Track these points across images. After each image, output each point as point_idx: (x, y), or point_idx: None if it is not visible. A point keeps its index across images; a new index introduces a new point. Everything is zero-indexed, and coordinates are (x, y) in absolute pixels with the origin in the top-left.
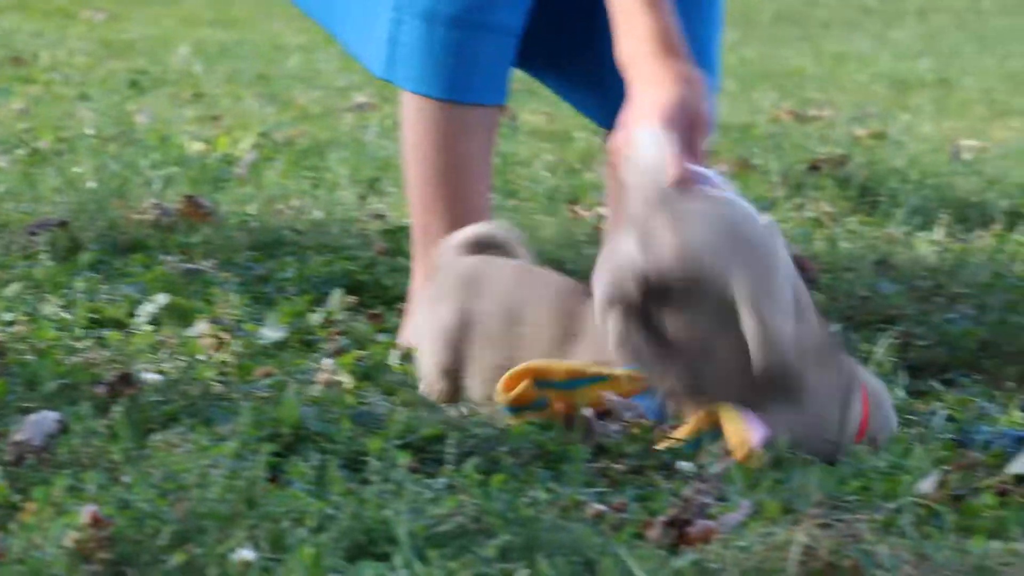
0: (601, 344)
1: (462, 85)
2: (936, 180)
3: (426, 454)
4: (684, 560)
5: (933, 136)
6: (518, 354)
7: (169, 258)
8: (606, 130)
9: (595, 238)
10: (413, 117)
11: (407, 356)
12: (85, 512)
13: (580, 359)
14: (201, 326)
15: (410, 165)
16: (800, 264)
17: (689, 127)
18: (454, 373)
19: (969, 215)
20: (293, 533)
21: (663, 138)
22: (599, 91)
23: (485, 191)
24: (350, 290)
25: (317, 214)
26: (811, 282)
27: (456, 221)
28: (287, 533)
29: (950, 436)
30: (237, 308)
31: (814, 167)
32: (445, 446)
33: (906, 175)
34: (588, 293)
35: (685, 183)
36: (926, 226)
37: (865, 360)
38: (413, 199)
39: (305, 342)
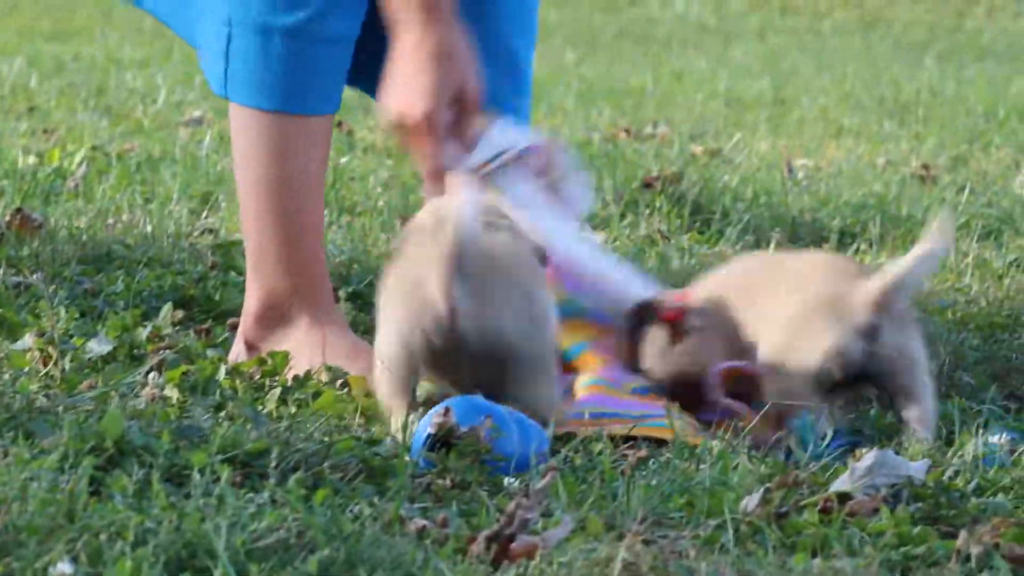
0: None
1: (298, 96)
2: (769, 198)
3: (250, 468)
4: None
5: (768, 155)
6: None
7: None
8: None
9: None
10: (244, 131)
11: (234, 371)
12: None
13: None
14: (28, 340)
15: (242, 179)
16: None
17: (455, 103)
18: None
19: (802, 233)
20: (113, 547)
21: (471, 207)
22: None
23: (318, 206)
24: (180, 304)
25: (148, 228)
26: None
27: (289, 236)
28: (107, 547)
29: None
30: (65, 322)
31: (647, 185)
32: (269, 460)
33: (740, 193)
34: None
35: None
36: (759, 244)
37: None
38: (245, 214)
39: (133, 356)
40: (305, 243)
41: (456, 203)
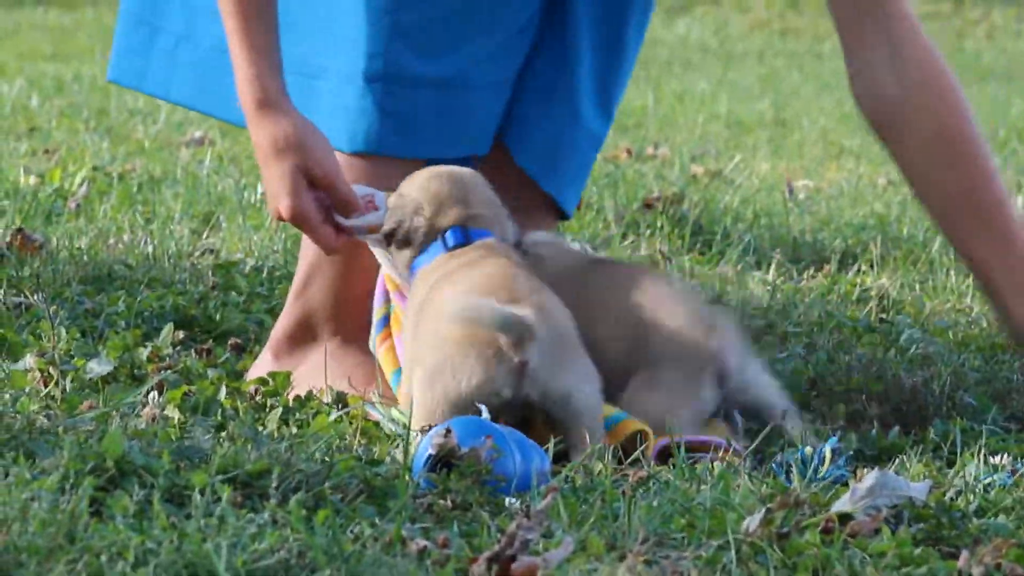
0: None
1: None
2: (770, 219)
3: (251, 489)
4: None
5: (769, 175)
6: None
7: None
8: None
9: None
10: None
11: (235, 391)
12: None
13: None
14: (28, 360)
15: None
16: None
17: (313, 186)
18: None
19: (802, 254)
20: (113, 567)
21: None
22: None
23: None
24: (180, 325)
25: (149, 249)
26: None
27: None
28: (107, 568)
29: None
30: (66, 342)
31: (648, 205)
32: (269, 480)
33: (741, 214)
34: None
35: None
36: (759, 265)
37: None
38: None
39: (134, 376)
40: (358, 264)
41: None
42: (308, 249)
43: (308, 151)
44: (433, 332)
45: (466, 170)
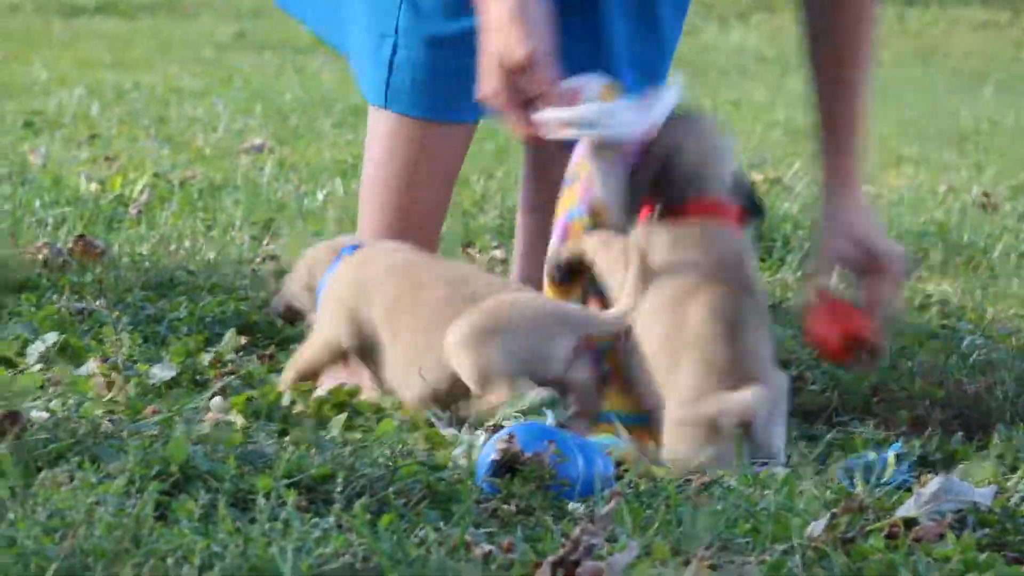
0: None
1: (457, 105)
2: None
3: (315, 493)
4: None
5: None
6: None
7: (60, 297)
8: None
9: None
10: (393, 138)
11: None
12: None
13: None
14: (91, 365)
15: (369, 191)
16: None
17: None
18: None
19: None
20: (179, 571)
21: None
22: None
23: (439, 219)
24: (242, 330)
25: (210, 255)
26: None
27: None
28: (173, 571)
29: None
30: (128, 348)
31: None
32: (334, 485)
33: (800, 221)
34: None
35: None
36: None
37: None
38: (369, 218)
39: (196, 382)
40: None
41: None
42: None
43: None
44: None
45: None
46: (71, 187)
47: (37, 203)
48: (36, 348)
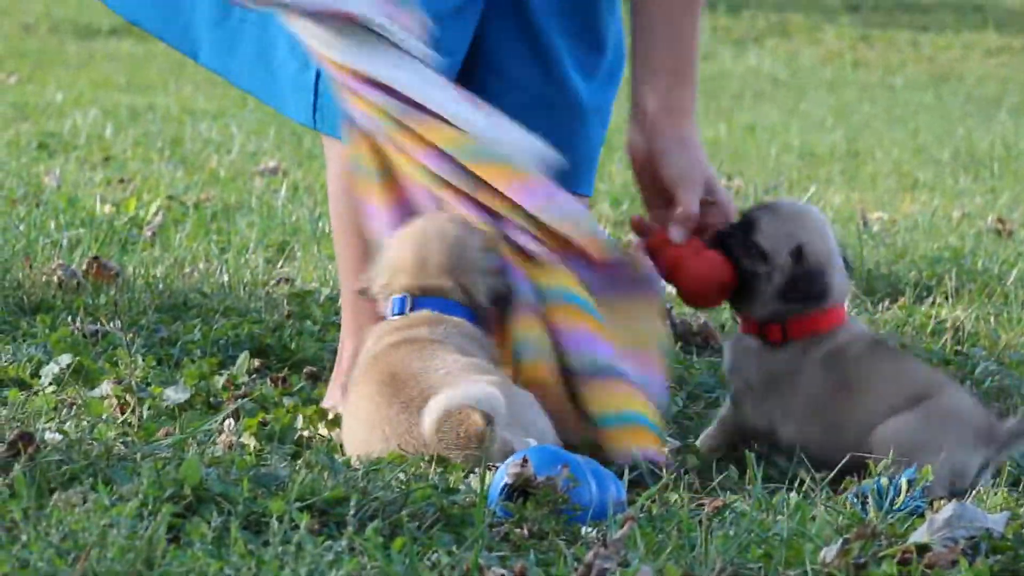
0: None
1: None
2: (844, 251)
3: (328, 516)
4: None
5: (843, 207)
6: None
7: (74, 319)
8: None
9: None
10: (336, 160)
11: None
12: None
13: None
14: (105, 387)
15: (336, 221)
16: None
17: None
18: None
19: (877, 286)
20: None
21: None
22: None
23: None
24: (256, 353)
25: (224, 277)
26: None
27: None
28: None
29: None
30: (142, 370)
31: None
32: (347, 508)
33: None
34: None
35: None
36: None
37: None
38: (341, 258)
39: (210, 404)
40: None
41: None
42: (347, 292)
43: None
44: None
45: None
46: (86, 209)
47: (52, 225)
48: (50, 370)
